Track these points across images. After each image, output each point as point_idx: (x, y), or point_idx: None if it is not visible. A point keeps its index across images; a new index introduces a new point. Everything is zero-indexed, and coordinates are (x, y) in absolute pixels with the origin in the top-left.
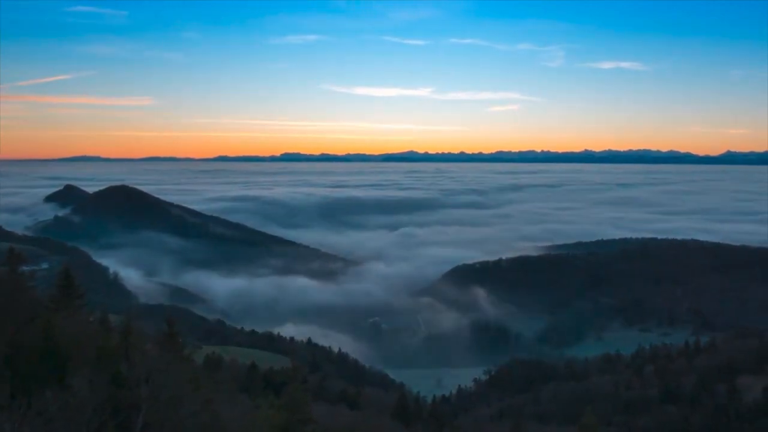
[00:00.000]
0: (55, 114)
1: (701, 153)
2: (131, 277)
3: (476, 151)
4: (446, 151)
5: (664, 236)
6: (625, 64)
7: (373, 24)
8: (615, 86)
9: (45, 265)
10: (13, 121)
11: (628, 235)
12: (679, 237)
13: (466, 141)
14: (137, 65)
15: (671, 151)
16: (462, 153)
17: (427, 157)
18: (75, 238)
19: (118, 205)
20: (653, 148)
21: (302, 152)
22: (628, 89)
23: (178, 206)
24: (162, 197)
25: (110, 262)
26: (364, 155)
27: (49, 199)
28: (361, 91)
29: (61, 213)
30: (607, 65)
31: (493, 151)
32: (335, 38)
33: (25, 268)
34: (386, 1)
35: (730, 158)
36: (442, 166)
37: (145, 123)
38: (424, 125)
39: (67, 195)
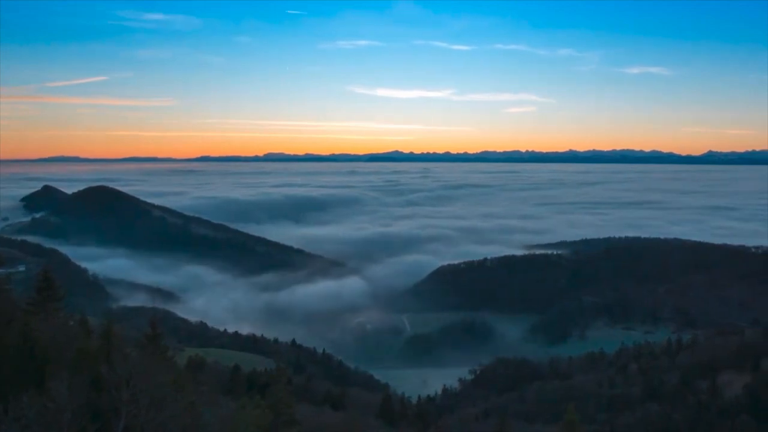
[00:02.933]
0: (49, 114)
1: (683, 153)
2: (111, 278)
3: (461, 152)
4: (431, 151)
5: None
6: (654, 69)
7: (425, 30)
8: (636, 90)
9: (22, 268)
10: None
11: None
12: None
13: (460, 141)
14: (168, 69)
15: (654, 151)
16: (447, 153)
17: (411, 157)
18: (53, 239)
19: (98, 206)
20: (636, 148)
21: (286, 152)
22: (638, 92)
23: (159, 206)
24: (142, 197)
25: (89, 264)
26: (349, 155)
27: (26, 200)
28: (382, 92)
29: (38, 214)
30: (634, 70)
31: (478, 151)
32: (385, 43)
33: (1, 270)
34: (441, 10)
35: (712, 158)
36: (425, 165)
37: (150, 124)
38: (426, 126)
39: (45, 196)
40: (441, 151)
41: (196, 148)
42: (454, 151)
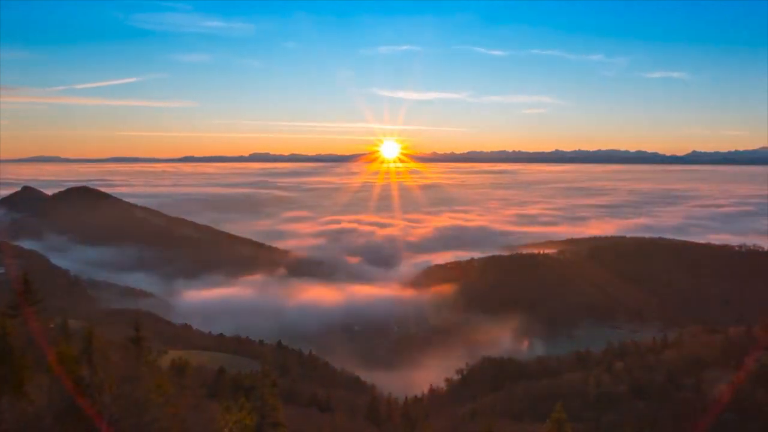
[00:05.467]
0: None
1: (668, 153)
2: (93, 280)
3: (448, 152)
4: (420, 152)
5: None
6: (675, 74)
7: (468, 36)
8: (651, 95)
9: (1, 270)
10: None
11: None
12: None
13: (456, 142)
14: (204, 72)
15: (639, 151)
16: (434, 153)
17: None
18: (33, 241)
19: (79, 207)
20: (622, 148)
21: (271, 152)
22: (653, 97)
23: (142, 207)
24: (125, 198)
25: (71, 266)
26: (333, 155)
27: (5, 201)
28: (401, 94)
29: (18, 215)
30: (656, 75)
31: (465, 151)
32: (424, 48)
33: None
34: (489, 17)
35: (696, 158)
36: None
37: (176, 123)
38: (428, 126)
39: (25, 197)
40: (428, 152)
41: (204, 147)
42: (441, 152)
